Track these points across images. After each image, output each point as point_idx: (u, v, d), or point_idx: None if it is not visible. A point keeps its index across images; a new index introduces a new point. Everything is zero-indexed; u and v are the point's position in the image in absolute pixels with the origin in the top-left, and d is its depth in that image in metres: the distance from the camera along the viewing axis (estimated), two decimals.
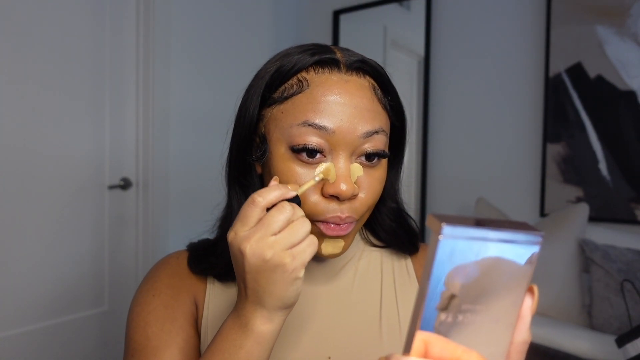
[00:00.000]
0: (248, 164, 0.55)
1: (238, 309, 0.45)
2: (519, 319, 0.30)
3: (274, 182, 0.47)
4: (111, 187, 1.92)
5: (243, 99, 0.55)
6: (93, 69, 1.85)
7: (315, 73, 0.50)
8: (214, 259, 0.57)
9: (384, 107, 0.53)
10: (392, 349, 0.56)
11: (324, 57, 0.51)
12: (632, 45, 1.81)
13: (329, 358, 0.55)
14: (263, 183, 0.55)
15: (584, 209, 1.71)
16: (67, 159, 1.79)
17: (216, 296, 0.58)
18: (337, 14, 2.63)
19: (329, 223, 0.50)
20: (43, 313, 1.73)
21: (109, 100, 1.91)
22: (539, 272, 1.64)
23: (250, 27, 2.43)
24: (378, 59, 2.47)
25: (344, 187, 0.48)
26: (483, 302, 0.28)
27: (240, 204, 0.56)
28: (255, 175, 0.56)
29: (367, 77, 0.52)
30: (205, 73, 2.21)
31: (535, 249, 0.28)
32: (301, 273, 0.43)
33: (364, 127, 0.49)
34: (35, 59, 1.68)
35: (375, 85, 0.53)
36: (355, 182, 0.50)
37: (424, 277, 0.28)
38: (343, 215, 0.50)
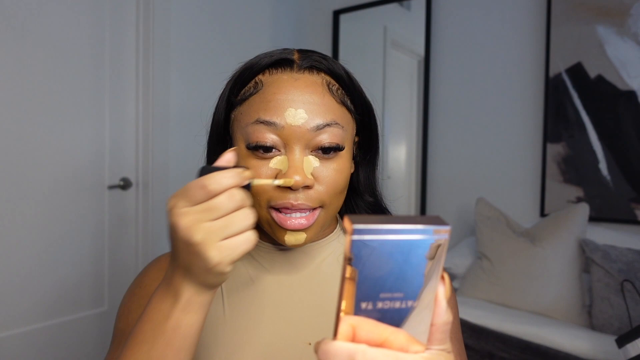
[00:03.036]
0: None
1: (168, 277, 0.44)
2: (435, 303, 0.32)
3: (230, 155, 0.44)
4: (111, 187, 1.92)
5: (217, 103, 0.59)
6: (93, 69, 1.85)
7: (270, 74, 0.54)
8: None
9: (341, 102, 0.55)
10: None
11: (279, 58, 0.54)
12: (633, 45, 1.81)
13: (310, 344, 0.56)
14: None
15: (584, 209, 1.70)
16: (67, 159, 1.79)
17: None
18: (337, 14, 2.63)
19: (283, 212, 0.52)
20: (43, 313, 1.73)
21: (109, 100, 1.91)
22: (539, 272, 1.64)
23: (250, 27, 2.43)
24: (378, 59, 2.49)
25: (296, 178, 0.50)
26: (399, 290, 0.31)
27: None
28: None
29: (322, 74, 0.54)
30: (205, 73, 2.20)
31: (443, 237, 0.30)
32: (227, 268, 0.40)
33: (313, 121, 0.51)
34: (35, 59, 1.68)
35: (331, 81, 0.55)
36: (312, 174, 0.52)
37: (342, 270, 0.30)
38: (295, 202, 0.51)
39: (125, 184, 1.95)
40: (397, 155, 2.45)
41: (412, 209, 2.39)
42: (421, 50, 2.34)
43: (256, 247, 0.61)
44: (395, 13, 2.46)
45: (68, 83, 1.78)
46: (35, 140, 1.70)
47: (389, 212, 0.65)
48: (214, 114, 0.58)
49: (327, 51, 2.68)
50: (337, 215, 0.66)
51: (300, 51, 0.56)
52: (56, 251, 1.77)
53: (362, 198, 0.63)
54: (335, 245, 0.62)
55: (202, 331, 0.56)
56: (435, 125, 2.34)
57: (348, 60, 2.62)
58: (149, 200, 1.99)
